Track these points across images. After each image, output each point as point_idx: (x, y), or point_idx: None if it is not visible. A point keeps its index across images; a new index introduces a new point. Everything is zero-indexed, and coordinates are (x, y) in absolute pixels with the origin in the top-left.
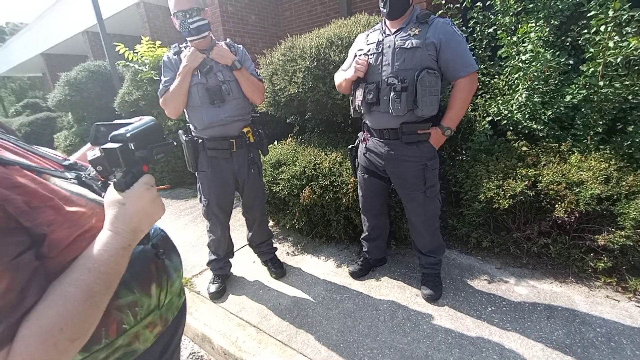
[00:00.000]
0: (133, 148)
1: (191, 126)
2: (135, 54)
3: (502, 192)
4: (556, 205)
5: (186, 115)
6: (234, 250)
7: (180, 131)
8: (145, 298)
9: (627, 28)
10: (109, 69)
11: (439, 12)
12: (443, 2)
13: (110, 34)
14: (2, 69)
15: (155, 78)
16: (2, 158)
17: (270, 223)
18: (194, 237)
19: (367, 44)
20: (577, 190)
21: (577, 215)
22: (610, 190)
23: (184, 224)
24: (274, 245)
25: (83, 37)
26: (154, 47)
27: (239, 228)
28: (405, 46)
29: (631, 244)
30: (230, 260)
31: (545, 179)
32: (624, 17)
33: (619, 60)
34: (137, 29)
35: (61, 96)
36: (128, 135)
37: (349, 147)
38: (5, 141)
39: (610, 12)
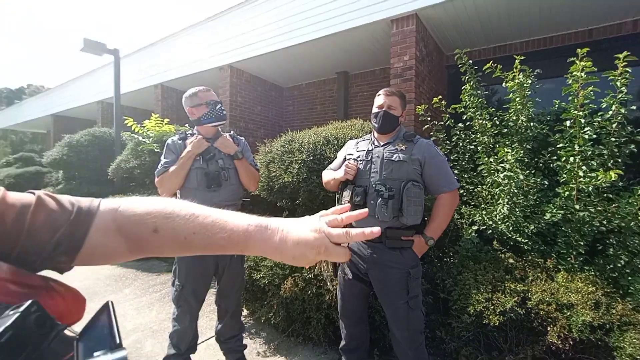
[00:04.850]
0: None
1: None
2: (142, 128)
3: (492, 307)
4: (548, 328)
5: (178, 196)
6: (198, 342)
7: None
8: None
9: (592, 162)
10: (113, 135)
11: (425, 127)
12: (429, 118)
13: (123, 105)
14: (9, 123)
15: (156, 150)
16: None
17: (245, 312)
18: (157, 320)
19: (357, 150)
20: (568, 314)
21: (571, 342)
22: (602, 318)
23: (149, 303)
24: (244, 341)
25: (97, 105)
26: (162, 124)
27: (208, 315)
28: (392, 159)
29: None
30: (192, 355)
31: (534, 297)
32: (589, 152)
33: (590, 188)
34: (149, 104)
35: (58, 155)
36: None
37: None
38: None
39: (576, 147)
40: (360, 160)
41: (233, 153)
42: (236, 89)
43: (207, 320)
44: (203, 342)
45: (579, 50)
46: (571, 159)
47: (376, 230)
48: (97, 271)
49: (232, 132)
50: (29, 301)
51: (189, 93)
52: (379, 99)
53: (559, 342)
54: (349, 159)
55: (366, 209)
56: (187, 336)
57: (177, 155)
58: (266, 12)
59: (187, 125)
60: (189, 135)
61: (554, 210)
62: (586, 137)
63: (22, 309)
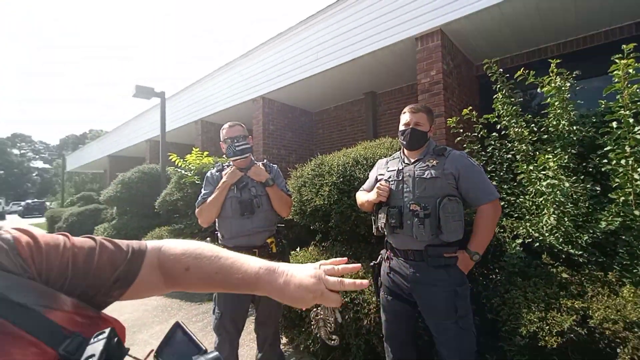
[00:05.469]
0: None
1: (219, 234)
2: (185, 162)
3: (547, 327)
4: (618, 350)
5: (216, 225)
6: None
7: (208, 239)
8: None
9: None
10: (159, 170)
11: (458, 139)
12: (461, 130)
13: (168, 141)
14: (74, 165)
15: (197, 182)
16: None
17: (284, 340)
18: None
19: (388, 170)
20: (639, 333)
21: None
22: None
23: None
24: None
25: (146, 144)
26: (202, 156)
27: (248, 343)
28: (424, 176)
29: None
30: None
31: (597, 315)
32: None
33: None
34: (190, 138)
35: (112, 193)
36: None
37: (372, 264)
38: None
39: (627, 148)
40: (392, 181)
41: (264, 181)
42: (268, 118)
43: (248, 349)
44: None
45: (624, 46)
46: (622, 161)
47: (365, 282)
48: (145, 302)
49: (265, 161)
50: (109, 328)
51: (221, 129)
52: (405, 117)
53: None
54: (380, 180)
55: (359, 264)
56: None
57: (215, 186)
58: (294, 44)
59: (224, 156)
60: (225, 167)
61: (610, 218)
62: (638, 137)
63: (106, 334)
